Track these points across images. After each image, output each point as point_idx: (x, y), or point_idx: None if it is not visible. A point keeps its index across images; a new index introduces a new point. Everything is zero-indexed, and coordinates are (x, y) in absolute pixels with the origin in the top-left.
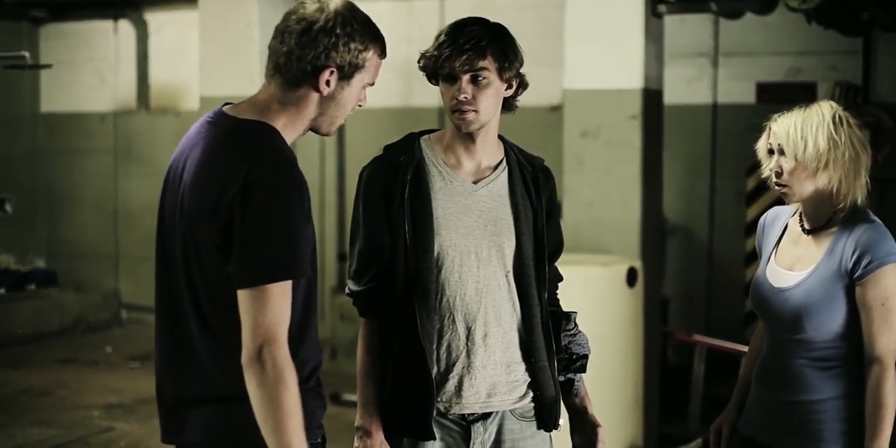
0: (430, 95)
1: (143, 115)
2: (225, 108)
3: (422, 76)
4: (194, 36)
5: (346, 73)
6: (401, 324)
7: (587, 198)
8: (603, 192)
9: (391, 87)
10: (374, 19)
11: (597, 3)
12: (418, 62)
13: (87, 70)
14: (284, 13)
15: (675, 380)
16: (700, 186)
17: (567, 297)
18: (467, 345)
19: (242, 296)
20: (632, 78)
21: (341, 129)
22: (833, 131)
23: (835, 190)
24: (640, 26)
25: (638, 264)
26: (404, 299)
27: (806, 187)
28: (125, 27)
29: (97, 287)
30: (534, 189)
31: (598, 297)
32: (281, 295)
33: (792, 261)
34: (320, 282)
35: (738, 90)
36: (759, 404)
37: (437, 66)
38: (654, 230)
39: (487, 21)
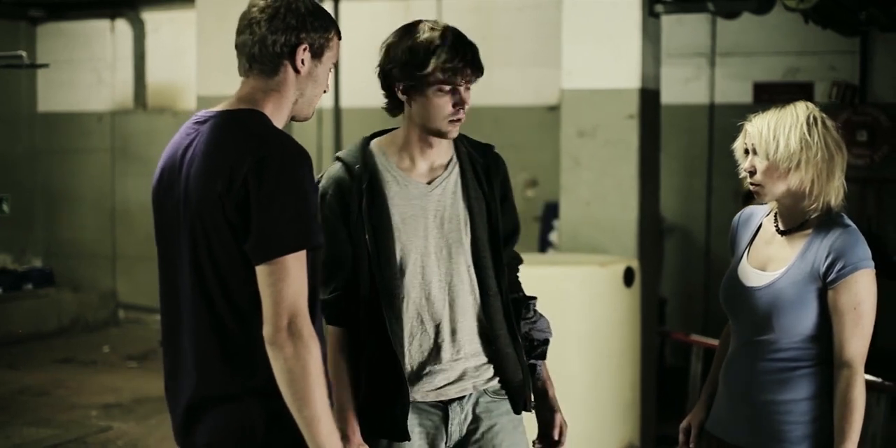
0: None
1: (140, 114)
2: (209, 110)
3: None
4: (191, 35)
5: (317, 51)
6: (370, 329)
7: (584, 197)
8: (600, 192)
9: None
10: (371, 19)
11: (594, 3)
12: (422, 70)
13: (85, 69)
14: (240, 15)
15: (673, 379)
16: (697, 186)
17: (564, 296)
18: (437, 342)
19: (263, 271)
20: (629, 78)
21: (338, 129)
22: (806, 132)
23: (807, 190)
24: (637, 26)
25: (635, 264)
26: (371, 305)
27: (778, 187)
28: (122, 27)
29: (94, 287)
30: (485, 179)
31: (596, 296)
32: (300, 266)
33: (764, 261)
34: None
35: (735, 90)
36: (726, 404)
37: (447, 77)
38: (652, 230)
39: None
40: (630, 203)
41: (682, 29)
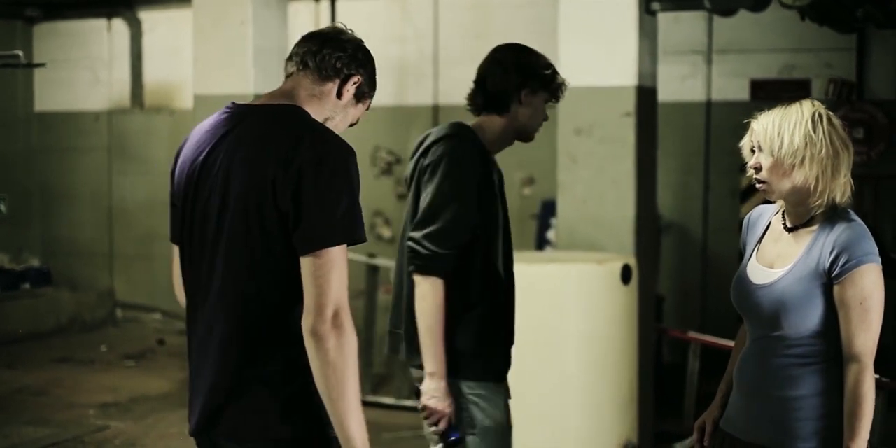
0: (423, 94)
1: (137, 113)
2: (242, 103)
3: (415, 74)
4: (188, 34)
5: (359, 93)
6: (486, 282)
7: (581, 195)
8: (597, 190)
9: (384, 85)
10: (367, 17)
11: (591, 1)
12: (561, 92)
13: (82, 69)
14: (313, 31)
15: (670, 377)
16: (694, 184)
17: (561, 294)
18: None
19: (309, 262)
20: (626, 75)
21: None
22: (811, 129)
23: (812, 187)
24: (633, 24)
25: (632, 262)
26: (486, 272)
27: (784, 184)
28: (119, 26)
29: (92, 286)
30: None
31: (593, 294)
32: (345, 259)
33: (772, 258)
34: None
35: (732, 87)
36: (739, 401)
37: (559, 95)
38: (649, 227)
39: None
40: (627, 201)
41: (678, 26)
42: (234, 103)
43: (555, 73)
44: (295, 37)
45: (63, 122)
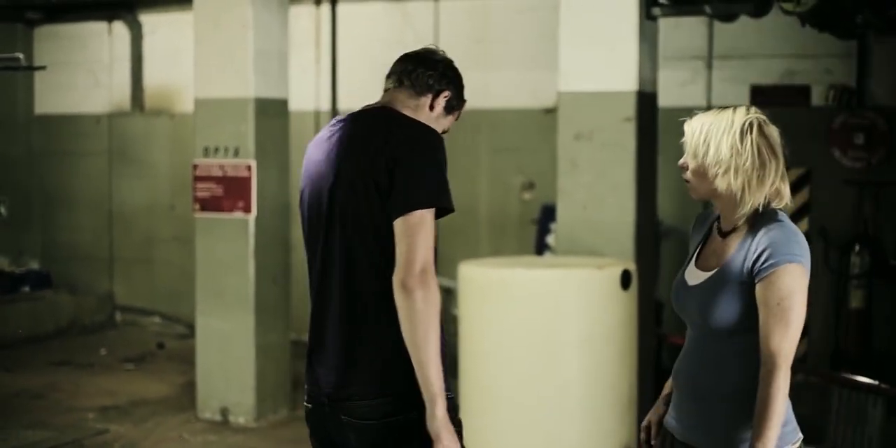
0: None
1: (137, 116)
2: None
3: None
4: (189, 38)
5: (448, 106)
6: None
7: (581, 200)
8: (597, 195)
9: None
10: (368, 21)
11: (591, 6)
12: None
13: (82, 72)
14: (408, 53)
15: None
16: None
17: (561, 299)
18: None
19: (400, 224)
20: (626, 80)
21: None
22: (737, 139)
23: (737, 196)
24: (634, 29)
25: (632, 267)
26: None
27: (705, 187)
28: (119, 29)
29: (91, 289)
30: None
31: (593, 299)
32: (432, 223)
33: (707, 261)
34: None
35: (732, 93)
36: (675, 399)
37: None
38: (649, 233)
39: None
40: (627, 206)
41: (679, 32)
42: (340, 115)
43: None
44: (295, 40)
45: (63, 126)
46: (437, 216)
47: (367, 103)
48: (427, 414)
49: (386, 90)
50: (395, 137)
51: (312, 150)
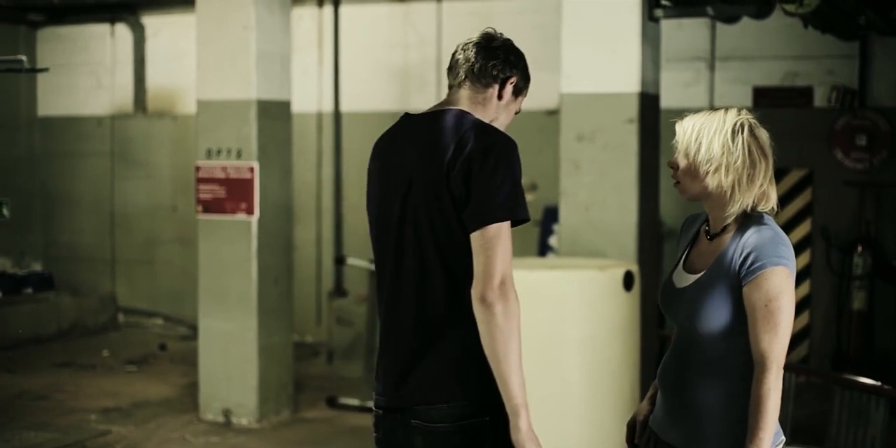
0: (426, 99)
1: (139, 118)
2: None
3: (418, 80)
4: (191, 39)
5: (517, 90)
6: None
7: (583, 201)
8: (599, 196)
9: (387, 91)
10: (371, 24)
11: (594, 8)
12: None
13: (84, 74)
14: (466, 41)
15: None
16: None
17: (564, 300)
18: None
19: (478, 237)
20: (629, 82)
21: (337, 133)
22: (729, 139)
23: (727, 195)
24: (636, 30)
25: (634, 268)
26: None
27: (695, 186)
28: (122, 31)
29: (94, 291)
30: None
31: (595, 300)
32: (509, 235)
33: (694, 263)
34: (317, 285)
35: (734, 94)
36: (661, 399)
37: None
38: (651, 234)
39: None
40: (629, 207)
41: (681, 33)
42: (406, 114)
43: None
44: (298, 42)
45: (66, 127)
46: (514, 224)
47: (436, 103)
48: (511, 426)
49: (450, 87)
50: (469, 147)
51: (383, 152)
